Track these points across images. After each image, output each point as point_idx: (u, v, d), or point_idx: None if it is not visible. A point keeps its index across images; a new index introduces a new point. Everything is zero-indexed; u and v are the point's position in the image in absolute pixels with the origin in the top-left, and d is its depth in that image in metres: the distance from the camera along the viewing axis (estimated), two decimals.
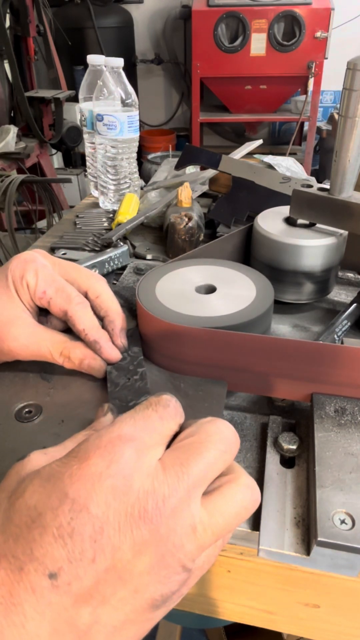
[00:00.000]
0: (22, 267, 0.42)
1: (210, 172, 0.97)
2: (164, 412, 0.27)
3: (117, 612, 0.22)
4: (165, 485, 0.23)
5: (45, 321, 0.45)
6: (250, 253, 0.61)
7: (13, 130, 2.16)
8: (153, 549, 0.22)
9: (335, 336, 0.51)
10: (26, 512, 0.22)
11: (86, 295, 0.44)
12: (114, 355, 0.43)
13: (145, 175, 2.76)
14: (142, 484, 0.23)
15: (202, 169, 0.98)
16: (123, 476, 0.23)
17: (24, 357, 0.42)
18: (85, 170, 1.06)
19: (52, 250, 0.79)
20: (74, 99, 2.43)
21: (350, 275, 0.67)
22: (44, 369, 0.45)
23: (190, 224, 0.72)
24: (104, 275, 0.69)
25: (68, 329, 0.44)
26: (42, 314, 0.45)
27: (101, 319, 0.44)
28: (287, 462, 0.39)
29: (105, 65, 0.89)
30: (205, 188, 0.95)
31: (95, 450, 0.24)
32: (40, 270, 0.42)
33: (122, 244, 0.72)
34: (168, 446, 0.27)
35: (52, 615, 0.21)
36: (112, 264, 0.69)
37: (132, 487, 0.23)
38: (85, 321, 0.42)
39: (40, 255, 0.44)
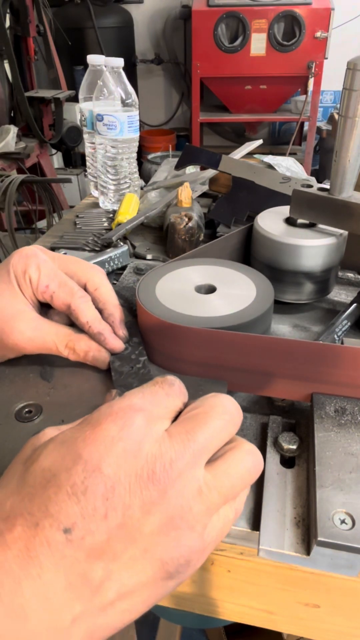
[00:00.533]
0: (24, 262, 0.43)
1: (210, 172, 0.97)
2: (170, 389, 0.28)
3: (128, 571, 0.23)
4: (172, 451, 0.24)
5: (45, 315, 0.45)
6: (250, 253, 0.61)
7: (13, 130, 2.16)
8: (161, 510, 0.23)
9: (335, 336, 0.51)
10: (41, 474, 0.23)
11: (85, 287, 0.45)
12: (118, 345, 0.44)
13: (145, 175, 2.76)
14: (151, 449, 0.24)
15: (202, 169, 0.98)
16: (133, 440, 0.24)
17: (29, 351, 0.43)
18: (85, 170, 1.06)
19: (52, 250, 0.79)
20: (74, 99, 2.43)
21: (350, 275, 0.67)
22: (44, 368, 0.45)
23: (190, 224, 0.72)
24: None
25: (69, 323, 0.45)
26: (42, 308, 0.45)
27: (100, 311, 0.45)
28: (287, 462, 0.39)
29: (105, 65, 0.89)
30: (205, 188, 0.95)
31: (107, 417, 0.25)
32: (42, 265, 0.43)
33: (122, 244, 0.72)
34: (173, 422, 0.28)
35: (67, 568, 0.21)
36: (112, 264, 0.69)
37: (142, 451, 0.24)
38: (88, 314, 0.43)
39: (40, 251, 0.45)
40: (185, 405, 0.29)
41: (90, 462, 0.23)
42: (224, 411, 0.27)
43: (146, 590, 0.24)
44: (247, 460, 0.27)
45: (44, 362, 0.45)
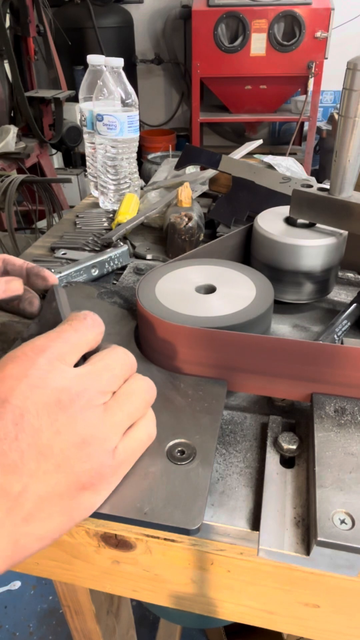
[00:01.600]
0: None
1: (210, 172, 0.97)
2: (79, 324, 0.32)
3: (43, 483, 0.26)
4: (79, 385, 0.29)
5: None
6: (250, 253, 0.61)
7: (13, 130, 2.16)
8: (71, 431, 0.27)
9: (335, 336, 0.51)
10: None
11: None
12: (54, 277, 0.46)
13: (145, 175, 2.77)
14: (58, 382, 0.28)
15: (202, 169, 0.98)
16: (37, 377, 0.28)
17: None
18: (85, 170, 1.06)
19: (52, 250, 0.79)
20: (74, 99, 2.43)
21: (350, 275, 0.67)
22: None
23: (190, 224, 0.72)
24: (104, 275, 0.69)
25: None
26: None
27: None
28: (287, 462, 0.39)
29: (105, 65, 0.89)
30: (205, 188, 0.95)
31: (11, 360, 0.29)
32: None
33: (122, 244, 0.72)
34: (91, 353, 0.32)
35: None
36: (112, 264, 0.69)
37: (48, 384, 0.28)
38: (19, 260, 0.46)
39: None
40: (99, 346, 0.33)
41: None
42: (125, 359, 0.33)
43: (63, 500, 0.27)
44: (142, 384, 0.33)
45: None
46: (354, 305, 0.54)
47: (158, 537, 0.40)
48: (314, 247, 0.54)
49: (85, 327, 0.32)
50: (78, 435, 0.28)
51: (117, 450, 0.30)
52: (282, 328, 0.56)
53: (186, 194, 0.79)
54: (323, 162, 3.20)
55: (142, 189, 1.00)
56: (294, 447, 0.39)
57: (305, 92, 2.93)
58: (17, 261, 0.46)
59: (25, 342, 0.30)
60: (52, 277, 0.46)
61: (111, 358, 0.32)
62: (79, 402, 0.28)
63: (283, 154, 1.53)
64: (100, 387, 0.30)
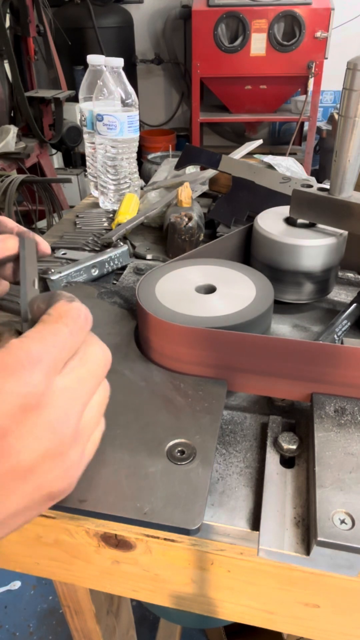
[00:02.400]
0: None
1: (210, 172, 0.97)
2: (75, 325, 0.28)
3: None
4: (64, 403, 0.26)
5: None
6: (250, 253, 0.61)
7: (13, 130, 2.16)
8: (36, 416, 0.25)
9: (335, 336, 0.51)
10: None
11: None
12: (46, 245, 0.44)
13: (145, 175, 2.76)
14: (48, 403, 0.26)
15: (202, 169, 0.98)
16: (34, 399, 0.25)
17: None
18: (85, 170, 1.06)
19: (52, 250, 0.79)
20: (74, 99, 2.43)
21: (350, 275, 0.67)
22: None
23: (190, 224, 0.72)
24: (104, 275, 0.69)
25: None
26: None
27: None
28: (287, 462, 0.39)
29: (105, 65, 0.89)
30: (205, 188, 0.95)
31: (4, 369, 0.25)
32: None
33: (122, 244, 0.72)
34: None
35: None
36: (112, 264, 0.69)
37: (40, 406, 0.25)
38: (11, 223, 0.43)
39: None
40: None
41: None
42: (106, 357, 0.30)
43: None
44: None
45: None
46: (354, 305, 0.54)
47: (158, 537, 0.40)
48: (314, 247, 0.54)
49: (80, 328, 0.28)
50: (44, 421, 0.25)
51: (80, 425, 0.28)
52: (282, 328, 0.56)
53: (186, 194, 0.79)
54: (323, 162, 3.20)
55: (142, 189, 1.00)
56: (294, 447, 0.39)
57: (305, 92, 2.93)
58: (10, 223, 0.43)
59: (19, 340, 0.26)
60: (44, 244, 0.43)
61: (95, 364, 0.29)
62: (56, 416, 0.26)
63: (283, 154, 1.53)
64: (83, 401, 0.28)
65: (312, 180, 0.84)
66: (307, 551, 0.33)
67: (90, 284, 0.59)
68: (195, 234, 0.73)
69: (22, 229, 0.44)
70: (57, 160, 3.00)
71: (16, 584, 1.45)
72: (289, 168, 0.95)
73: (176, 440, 0.37)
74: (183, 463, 0.35)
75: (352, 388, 0.41)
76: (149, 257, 0.76)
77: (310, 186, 0.56)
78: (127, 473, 0.34)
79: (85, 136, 0.98)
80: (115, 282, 0.68)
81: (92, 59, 0.92)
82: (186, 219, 0.73)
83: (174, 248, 0.74)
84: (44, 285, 0.61)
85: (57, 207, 1.96)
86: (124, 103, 0.88)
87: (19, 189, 1.74)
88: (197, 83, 3.02)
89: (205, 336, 0.41)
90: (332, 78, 2.78)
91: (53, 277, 0.61)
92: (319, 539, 0.31)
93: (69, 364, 0.27)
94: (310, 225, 0.57)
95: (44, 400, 0.25)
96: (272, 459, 0.39)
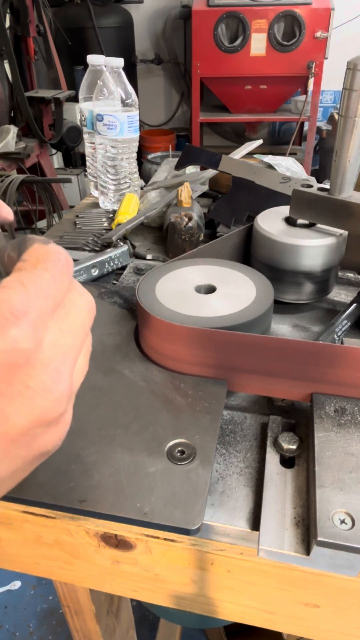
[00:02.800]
0: None
1: (210, 172, 0.97)
2: (55, 268, 0.24)
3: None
4: (50, 361, 0.23)
5: None
6: (250, 253, 0.61)
7: (13, 130, 2.16)
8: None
9: (335, 336, 0.51)
10: None
11: None
12: (8, 210, 0.40)
13: (145, 175, 2.76)
14: (33, 361, 0.23)
15: (202, 169, 0.98)
16: (21, 359, 0.22)
17: None
18: (85, 170, 1.06)
19: None
20: (74, 99, 2.43)
21: (350, 275, 0.67)
22: None
23: (190, 224, 0.72)
24: (104, 275, 0.69)
25: None
26: None
27: None
28: (287, 462, 0.39)
29: (105, 65, 0.89)
30: (205, 188, 0.95)
31: None
32: None
33: (122, 244, 0.72)
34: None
35: None
36: (112, 264, 0.69)
37: (28, 363, 0.23)
38: None
39: None
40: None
41: None
42: (91, 307, 0.27)
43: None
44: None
45: None
46: (354, 305, 0.54)
47: (158, 537, 0.40)
48: (314, 247, 0.54)
49: (62, 272, 0.24)
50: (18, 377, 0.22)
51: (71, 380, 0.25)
52: (282, 328, 0.56)
53: (186, 194, 0.79)
54: (323, 162, 3.20)
55: (142, 189, 1.00)
56: (294, 447, 0.39)
57: (305, 92, 2.93)
58: None
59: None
60: (5, 209, 0.38)
61: (81, 314, 0.26)
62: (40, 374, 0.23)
63: (283, 154, 1.53)
64: (74, 355, 0.25)
65: (312, 180, 0.84)
66: (307, 551, 0.33)
67: (90, 284, 0.59)
68: (195, 234, 0.73)
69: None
70: (57, 160, 3.00)
71: (16, 584, 1.45)
72: (289, 168, 0.95)
73: (176, 440, 0.37)
74: (183, 463, 0.35)
75: (352, 388, 0.41)
76: (149, 257, 0.75)
77: (310, 186, 0.56)
78: (127, 473, 0.34)
79: (85, 136, 0.98)
80: (115, 282, 0.68)
81: (92, 59, 0.92)
82: (186, 219, 0.73)
83: (174, 248, 0.74)
84: None
85: (57, 207, 1.96)
86: (124, 103, 0.88)
87: (19, 189, 1.74)
88: (197, 83, 3.02)
89: (205, 336, 0.41)
90: (332, 78, 2.78)
91: None
92: (319, 539, 0.31)
93: (54, 315, 0.24)
94: (310, 225, 0.57)
95: (34, 357, 0.22)
96: (272, 459, 0.39)
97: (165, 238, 0.77)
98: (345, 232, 0.55)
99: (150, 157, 3.11)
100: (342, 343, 0.50)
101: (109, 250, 0.69)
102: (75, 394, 0.27)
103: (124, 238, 0.80)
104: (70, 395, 0.25)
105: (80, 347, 0.26)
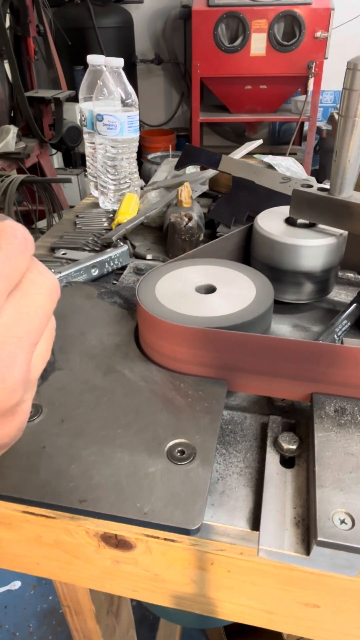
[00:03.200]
0: None
1: (210, 172, 0.97)
2: (10, 246, 0.22)
3: None
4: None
5: None
6: (250, 253, 0.61)
7: (13, 130, 2.16)
8: None
9: (335, 336, 0.51)
10: None
11: None
12: None
13: (145, 175, 2.76)
14: None
15: (202, 169, 0.98)
16: None
17: None
18: (85, 170, 1.06)
19: (52, 250, 0.79)
20: (74, 99, 2.43)
21: (350, 275, 0.67)
22: (44, 368, 0.45)
23: (190, 224, 0.72)
24: (104, 275, 0.69)
25: None
26: None
27: None
28: (287, 462, 0.39)
29: (105, 65, 0.89)
30: (205, 188, 0.95)
31: None
32: None
33: (122, 244, 0.72)
34: None
35: None
36: (112, 264, 0.69)
37: None
38: None
39: None
40: None
41: None
42: (54, 289, 0.24)
43: None
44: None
45: None
46: (354, 305, 0.54)
47: (158, 537, 0.40)
48: (314, 247, 0.54)
49: (19, 251, 0.22)
50: None
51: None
52: (282, 328, 0.56)
53: (186, 194, 0.79)
54: (323, 162, 3.20)
55: (142, 189, 1.00)
56: (294, 447, 0.39)
57: (305, 92, 2.93)
58: None
59: None
60: None
61: (41, 294, 0.24)
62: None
63: (283, 154, 1.53)
64: (32, 340, 0.23)
65: (312, 180, 0.84)
66: (307, 551, 0.33)
67: (90, 284, 0.59)
68: (195, 234, 0.73)
69: None
70: (57, 160, 3.00)
71: (16, 584, 1.45)
72: (289, 168, 0.95)
73: (176, 440, 0.37)
74: (183, 463, 0.35)
75: (352, 388, 0.41)
76: (149, 257, 0.75)
77: (310, 186, 0.56)
78: (127, 473, 0.34)
79: (85, 136, 0.98)
80: (115, 282, 0.68)
81: (92, 59, 0.92)
82: (186, 219, 0.73)
83: (174, 248, 0.74)
84: None
85: (57, 207, 1.96)
86: (124, 103, 0.88)
87: (19, 189, 1.74)
88: (197, 83, 3.02)
89: (205, 336, 0.41)
90: (332, 78, 2.78)
91: None
92: (319, 539, 0.31)
93: (10, 297, 0.22)
94: (310, 225, 0.57)
95: None
96: (272, 459, 0.39)
97: (165, 238, 0.77)
98: (345, 232, 0.55)
99: (150, 157, 3.11)
100: (342, 343, 0.50)
101: (109, 250, 0.69)
102: (37, 382, 0.25)
103: (124, 238, 0.80)
104: (26, 382, 0.23)
105: (40, 331, 0.23)
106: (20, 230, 0.23)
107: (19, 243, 0.22)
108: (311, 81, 2.89)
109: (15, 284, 0.22)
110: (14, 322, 0.22)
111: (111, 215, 0.91)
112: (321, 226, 0.56)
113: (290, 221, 0.58)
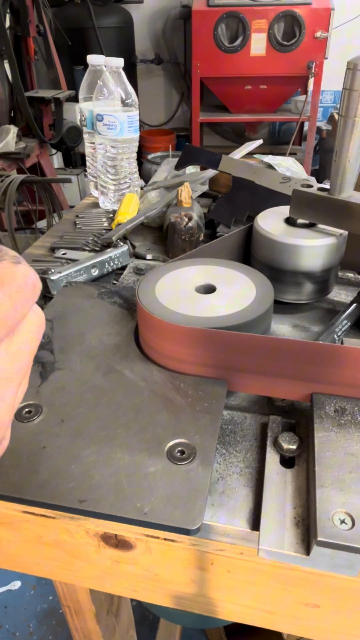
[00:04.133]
0: None
1: (210, 172, 0.97)
2: (18, 294, 0.21)
3: None
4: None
5: None
6: (250, 253, 0.61)
7: (13, 130, 2.16)
8: None
9: (335, 336, 0.51)
10: None
11: None
12: None
13: (145, 175, 2.76)
14: None
15: (202, 169, 0.98)
16: None
17: None
18: (85, 170, 1.06)
19: (52, 250, 0.79)
20: (74, 99, 2.43)
21: (350, 275, 0.67)
22: (44, 368, 0.45)
23: (190, 224, 0.72)
24: (104, 275, 0.69)
25: None
26: None
27: None
28: (287, 462, 0.39)
29: (105, 65, 0.89)
30: (205, 188, 0.95)
31: None
32: None
33: (122, 244, 0.72)
34: None
35: None
36: (112, 264, 0.69)
37: None
38: None
39: None
40: None
41: None
42: (41, 325, 0.24)
43: None
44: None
45: (44, 362, 0.45)
46: (354, 305, 0.54)
47: (158, 537, 0.40)
48: (314, 247, 0.54)
49: (25, 299, 0.22)
50: None
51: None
52: (282, 328, 0.56)
53: (186, 194, 0.79)
54: (323, 162, 3.20)
55: (142, 189, 1.00)
56: (294, 447, 0.39)
57: (305, 92, 2.93)
58: None
59: None
60: None
61: (32, 332, 0.24)
62: None
63: (283, 154, 1.53)
64: (18, 380, 0.23)
65: (312, 180, 0.84)
66: (307, 551, 0.33)
67: (90, 284, 0.59)
68: (195, 234, 0.73)
69: None
70: (57, 160, 3.00)
71: (16, 584, 1.45)
72: (289, 168, 0.95)
73: (176, 440, 0.37)
74: (183, 463, 0.35)
75: (352, 388, 0.41)
76: (149, 257, 0.75)
77: (310, 186, 0.56)
78: (127, 473, 0.34)
79: (85, 136, 0.98)
80: (115, 282, 0.68)
81: (92, 59, 0.92)
82: (186, 219, 0.73)
83: (174, 248, 0.74)
84: (44, 286, 0.61)
85: (57, 207, 1.96)
86: (124, 103, 0.88)
87: (19, 189, 1.74)
88: (197, 83, 3.02)
89: (205, 336, 0.41)
90: (332, 78, 2.79)
91: (53, 277, 0.61)
92: (319, 539, 0.31)
93: (5, 338, 0.22)
94: (310, 225, 0.57)
95: None
96: (272, 459, 0.39)
97: (165, 238, 0.77)
98: (345, 232, 0.55)
99: (150, 157, 3.11)
100: (342, 343, 0.50)
101: (109, 250, 0.69)
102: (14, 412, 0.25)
103: (124, 238, 0.80)
104: (10, 421, 0.23)
105: (26, 370, 0.24)
106: (32, 277, 0.22)
107: (28, 291, 0.22)
108: (311, 81, 2.89)
109: (13, 330, 0.22)
110: (4, 363, 0.22)
111: (111, 215, 0.91)
112: (321, 226, 0.56)
113: (290, 221, 0.58)
